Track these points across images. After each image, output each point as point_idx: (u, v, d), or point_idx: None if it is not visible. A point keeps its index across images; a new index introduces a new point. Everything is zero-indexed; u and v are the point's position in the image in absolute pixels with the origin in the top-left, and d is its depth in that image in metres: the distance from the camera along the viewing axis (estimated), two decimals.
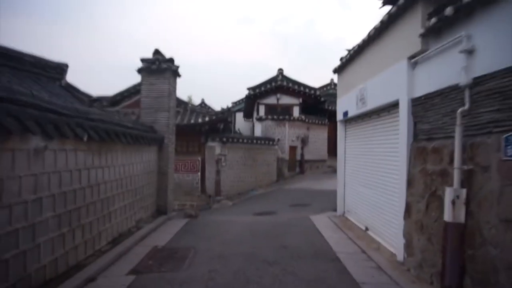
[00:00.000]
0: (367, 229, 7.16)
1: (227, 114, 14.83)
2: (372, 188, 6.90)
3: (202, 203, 14.54)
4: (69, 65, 7.32)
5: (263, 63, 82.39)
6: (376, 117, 6.79)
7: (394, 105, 5.74)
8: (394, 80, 5.50)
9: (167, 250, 5.76)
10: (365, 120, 7.55)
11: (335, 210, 10.78)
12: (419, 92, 4.84)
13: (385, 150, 6.25)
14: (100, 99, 7.54)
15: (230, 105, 32.91)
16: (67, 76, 7.28)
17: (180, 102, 16.18)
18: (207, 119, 14.20)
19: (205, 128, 14.34)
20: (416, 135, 4.89)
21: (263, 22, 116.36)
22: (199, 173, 14.75)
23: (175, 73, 9.25)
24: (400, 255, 5.11)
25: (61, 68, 7.19)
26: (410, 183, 4.87)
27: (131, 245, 5.72)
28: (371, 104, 6.61)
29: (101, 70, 78.81)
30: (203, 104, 25.73)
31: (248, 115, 26.48)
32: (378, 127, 6.66)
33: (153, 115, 8.99)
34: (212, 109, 15.57)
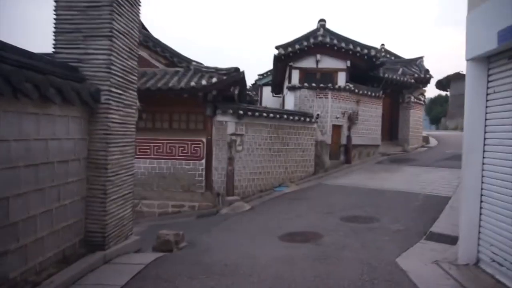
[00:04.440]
0: None
1: (243, 74, 9.92)
2: None
3: (206, 204, 9.98)
4: None
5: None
6: None
7: None
8: None
9: None
10: None
11: (430, 236, 5.83)
12: None
13: None
14: None
15: (256, 77, 28.33)
16: None
17: (181, 59, 11.58)
18: (214, 80, 9.44)
19: (212, 94, 9.61)
20: None
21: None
22: (204, 161, 10.13)
23: None
24: None
25: None
26: None
27: None
28: None
29: None
30: None
31: (277, 89, 21.42)
32: None
33: (79, 45, 4.39)
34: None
